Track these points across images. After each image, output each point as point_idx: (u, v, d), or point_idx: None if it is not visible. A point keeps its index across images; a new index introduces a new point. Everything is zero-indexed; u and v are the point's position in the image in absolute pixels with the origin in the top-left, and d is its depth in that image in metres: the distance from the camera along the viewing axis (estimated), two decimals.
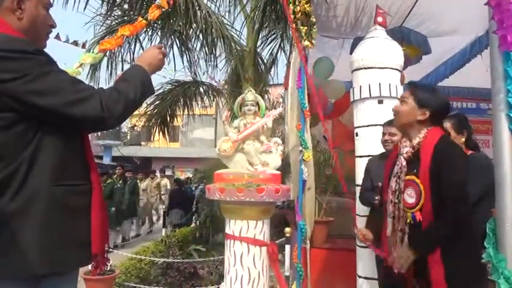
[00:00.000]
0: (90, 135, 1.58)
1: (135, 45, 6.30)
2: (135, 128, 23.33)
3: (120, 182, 9.38)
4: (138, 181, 10.63)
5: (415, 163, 2.10)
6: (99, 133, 19.47)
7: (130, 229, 9.73)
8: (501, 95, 1.21)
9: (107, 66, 6.49)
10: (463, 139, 2.68)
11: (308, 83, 4.02)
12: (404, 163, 2.16)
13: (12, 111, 1.19)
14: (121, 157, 18.75)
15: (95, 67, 6.39)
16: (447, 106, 2.24)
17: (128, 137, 23.25)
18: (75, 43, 7.56)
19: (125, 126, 24.60)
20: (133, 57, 6.46)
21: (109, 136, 19.18)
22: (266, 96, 8.42)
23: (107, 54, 6.30)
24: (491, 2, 1.23)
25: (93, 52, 3.02)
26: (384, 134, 3.23)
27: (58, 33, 7.48)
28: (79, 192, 1.34)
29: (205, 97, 7.93)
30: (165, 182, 12.33)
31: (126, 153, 20.51)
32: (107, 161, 18.52)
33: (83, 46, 7.36)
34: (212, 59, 6.73)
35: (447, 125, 2.64)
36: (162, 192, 11.89)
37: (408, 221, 2.04)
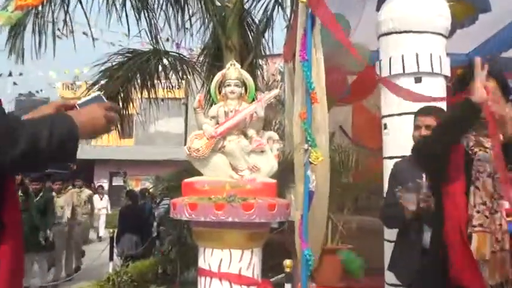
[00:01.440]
0: None
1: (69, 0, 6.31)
2: None
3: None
4: (54, 195, 9.65)
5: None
6: None
7: (44, 274, 8.60)
8: None
9: (33, 31, 6.47)
10: None
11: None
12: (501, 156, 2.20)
13: None
14: None
15: (15, 32, 6.36)
16: None
17: None
18: None
19: None
20: (68, 16, 6.44)
21: None
22: (258, 73, 8.43)
23: (31, 12, 6.28)
24: None
25: (6, 10, 3.02)
26: (417, 127, 3.26)
27: None
28: None
29: (172, 74, 7.92)
30: (87, 194, 11.94)
31: None
32: None
33: None
34: (181, 20, 6.72)
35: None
36: (84, 212, 11.32)
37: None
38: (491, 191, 2.26)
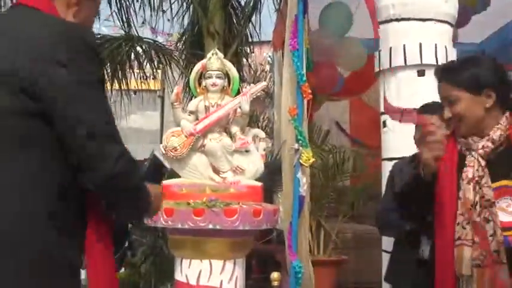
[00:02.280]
0: None
1: None
2: None
3: None
4: None
5: (503, 163, 2.27)
6: None
7: None
8: None
9: None
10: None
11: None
12: (484, 163, 2.28)
13: None
14: None
15: None
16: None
17: None
18: None
19: None
20: None
21: None
22: (244, 62, 8.48)
23: None
24: None
25: None
26: (419, 128, 3.34)
27: None
28: None
29: (146, 62, 7.94)
30: None
31: None
32: None
33: None
34: (157, 2, 6.76)
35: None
36: None
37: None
38: (470, 198, 2.32)
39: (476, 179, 2.28)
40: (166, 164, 3.82)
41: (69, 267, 1.72)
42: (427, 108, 3.18)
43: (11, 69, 1.60)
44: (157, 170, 2.11)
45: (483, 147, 2.29)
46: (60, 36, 1.67)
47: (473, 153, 2.32)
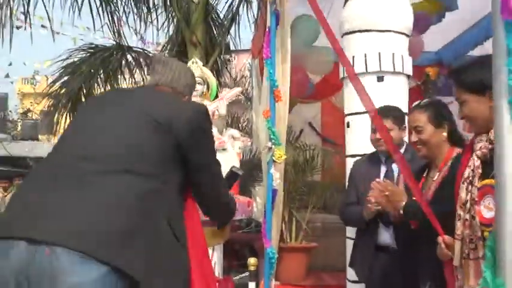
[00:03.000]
0: None
1: None
2: (30, 114, 23.03)
3: None
4: None
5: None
6: None
7: None
8: (502, 76, 1.40)
9: None
10: (445, 133, 2.84)
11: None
12: (478, 163, 2.27)
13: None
14: (8, 158, 18.47)
15: None
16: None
17: (19, 128, 22.90)
18: None
19: (14, 111, 24.27)
20: (27, 10, 6.48)
21: None
22: (228, 68, 8.54)
23: None
24: None
25: None
26: (374, 130, 3.39)
27: None
28: None
29: (135, 69, 7.98)
30: None
31: (16, 151, 20.20)
32: None
33: None
34: (144, 14, 6.80)
35: (420, 117, 2.82)
36: None
37: (485, 243, 2.21)
38: (462, 197, 2.37)
39: (470, 178, 2.29)
40: None
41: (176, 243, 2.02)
42: (382, 112, 3.21)
43: (169, 123, 2.06)
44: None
45: (481, 148, 2.27)
46: (203, 113, 2.23)
47: (473, 155, 2.32)
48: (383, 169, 3.47)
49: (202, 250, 2.28)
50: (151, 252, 1.85)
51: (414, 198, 2.72)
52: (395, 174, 3.36)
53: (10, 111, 22.27)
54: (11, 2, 6.57)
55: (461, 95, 2.37)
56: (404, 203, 2.73)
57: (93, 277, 1.66)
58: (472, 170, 2.32)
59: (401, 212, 2.75)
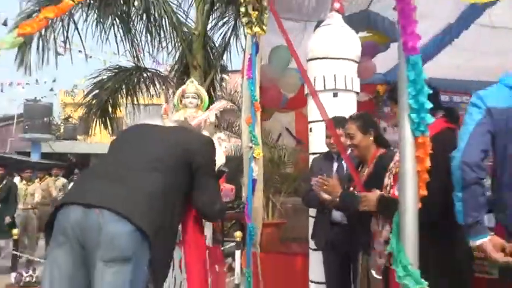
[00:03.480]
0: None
1: (68, 25, 6.38)
2: (70, 119, 22.96)
3: None
4: (19, 182, 8.34)
5: None
6: (26, 126, 19.02)
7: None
8: (404, 97, 1.49)
9: (37, 48, 6.52)
10: (371, 138, 2.92)
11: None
12: (397, 158, 2.30)
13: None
14: (52, 154, 18.42)
15: (22, 50, 6.37)
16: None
17: (62, 130, 22.82)
18: None
19: (58, 117, 24.16)
20: (67, 36, 6.53)
21: (37, 129, 18.71)
22: (224, 85, 8.60)
23: (38, 35, 6.33)
24: (397, 6, 1.51)
25: (12, 33, 3.12)
26: (327, 136, 3.45)
27: None
28: None
29: (150, 85, 8.05)
30: (63, 182, 9.88)
31: (59, 149, 20.15)
32: (35, 157, 18.11)
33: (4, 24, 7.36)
34: (157, 43, 6.86)
35: (352, 126, 2.89)
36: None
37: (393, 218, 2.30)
38: (385, 182, 2.41)
39: (392, 169, 2.46)
40: None
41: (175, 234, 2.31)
42: (335, 121, 3.28)
43: (185, 145, 2.29)
44: None
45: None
46: (211, 143, 2.44)
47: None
48: (335, 165, 3.56)
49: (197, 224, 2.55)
50: (161, 223, 2.06)
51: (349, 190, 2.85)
52: (345, 168, 3.44)
53: (54, 117, 22.16)
54: (54, 33, 6.60)
55: (393, 107, 2.48)
56: (340, 192, 2.81)
57: (126, 230, 1.91)
58: (394, 163, 2.43)
59: (338, 199, 2.83)
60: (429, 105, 1.47)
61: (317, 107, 3.73)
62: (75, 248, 1.97)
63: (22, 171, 9.04)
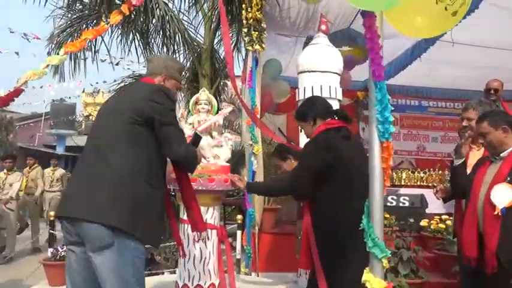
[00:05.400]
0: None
1: (95, 41, 6.54)
2: (90, 117, 23.05)
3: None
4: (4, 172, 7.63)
5: None
6: (51, 122, 19.16)
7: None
8: (373, 111, 1.74)
9: (70, 59, 6.67)
10: (293, 161, 3.07)
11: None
12: None
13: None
14: (75, 147, 18.55)
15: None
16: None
17: (83, 126, 22.90)
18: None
19: (80, 114, 24.23)
20: (95, 52, 6.70)
21: (62, 125, 18.91)
22: (226, 90, 8.72)
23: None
24: (367, 45, 1.75)
25: (58, 54, 3.33)
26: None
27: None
28: None
29: None
30: (61, 173, 9.05)
31: (81, 143, 20.26)
32: (60, 150, 18.28)
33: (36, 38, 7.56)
34: (170, 53, 7.01)
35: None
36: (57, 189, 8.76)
37: None
38: None
39: None
40: None
41: (156, 211, 2.13)
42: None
43: (130, 106, 2.09)
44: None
45: None
46: (158, 90, 2.17)
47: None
48: None
49: (192, 195, 2.57)
50: (136, 200, 2.01)
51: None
52: None
53: (76, 115, 22.27)
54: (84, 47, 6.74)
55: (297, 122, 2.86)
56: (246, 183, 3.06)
57: (96, 226, 1.95)
58: None
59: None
60: (392, 118, 1.71)
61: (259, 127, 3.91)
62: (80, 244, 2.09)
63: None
